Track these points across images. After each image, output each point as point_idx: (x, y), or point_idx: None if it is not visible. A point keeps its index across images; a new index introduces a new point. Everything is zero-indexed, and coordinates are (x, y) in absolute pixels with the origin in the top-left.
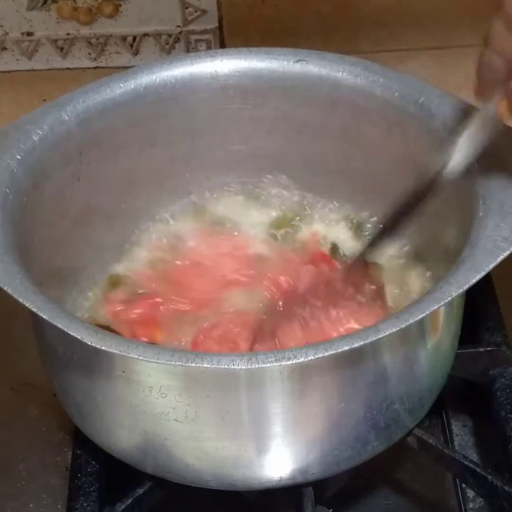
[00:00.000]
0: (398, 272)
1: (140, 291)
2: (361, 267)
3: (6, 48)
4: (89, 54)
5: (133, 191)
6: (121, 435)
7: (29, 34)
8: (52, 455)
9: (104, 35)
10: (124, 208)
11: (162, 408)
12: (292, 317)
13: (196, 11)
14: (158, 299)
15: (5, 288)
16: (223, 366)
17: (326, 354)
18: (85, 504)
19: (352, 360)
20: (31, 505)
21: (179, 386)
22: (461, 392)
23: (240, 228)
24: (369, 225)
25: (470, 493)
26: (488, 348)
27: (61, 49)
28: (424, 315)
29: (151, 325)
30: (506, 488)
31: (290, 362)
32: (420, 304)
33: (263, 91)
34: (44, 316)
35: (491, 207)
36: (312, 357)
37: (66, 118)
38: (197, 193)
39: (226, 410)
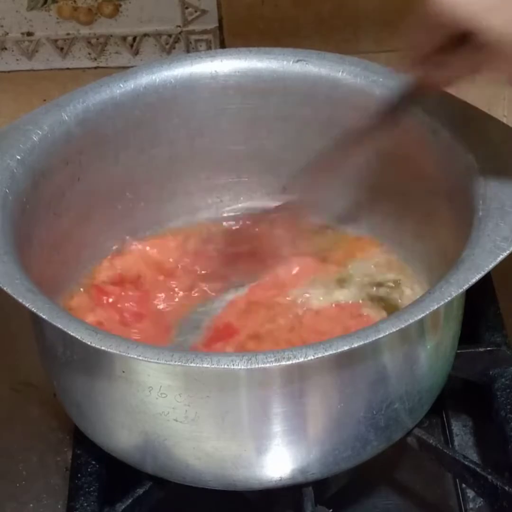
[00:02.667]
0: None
1: None
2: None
3: (6, 48)
4: (89, 54)
5: (133, 192)
6: (121, 435)
7: (29, 34)
8: (52, 455)
9: (104, 35)
10: (124, 208)
11: (162, 408)
12: None
13: (196, 11)
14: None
15: (5, 288)
16: (223, 366)
17: (326, 354)
18: (85, 504)
19: (352, 360)
20: (31, 505)
21: (179, 386)
22: (461, 392)
23: None
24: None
25: (470, 493)
26: (488, 348)
27: (61, 49)
28: (424, 315)
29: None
30: (506, 488)
31: (290, 362)
32: (420, 304)
33: (263, 91)
34: (44, 316)
35: (491, 207)
36: (312, 357)
37: (66, 118)
38: (197, 193)
39: (226, 410)
